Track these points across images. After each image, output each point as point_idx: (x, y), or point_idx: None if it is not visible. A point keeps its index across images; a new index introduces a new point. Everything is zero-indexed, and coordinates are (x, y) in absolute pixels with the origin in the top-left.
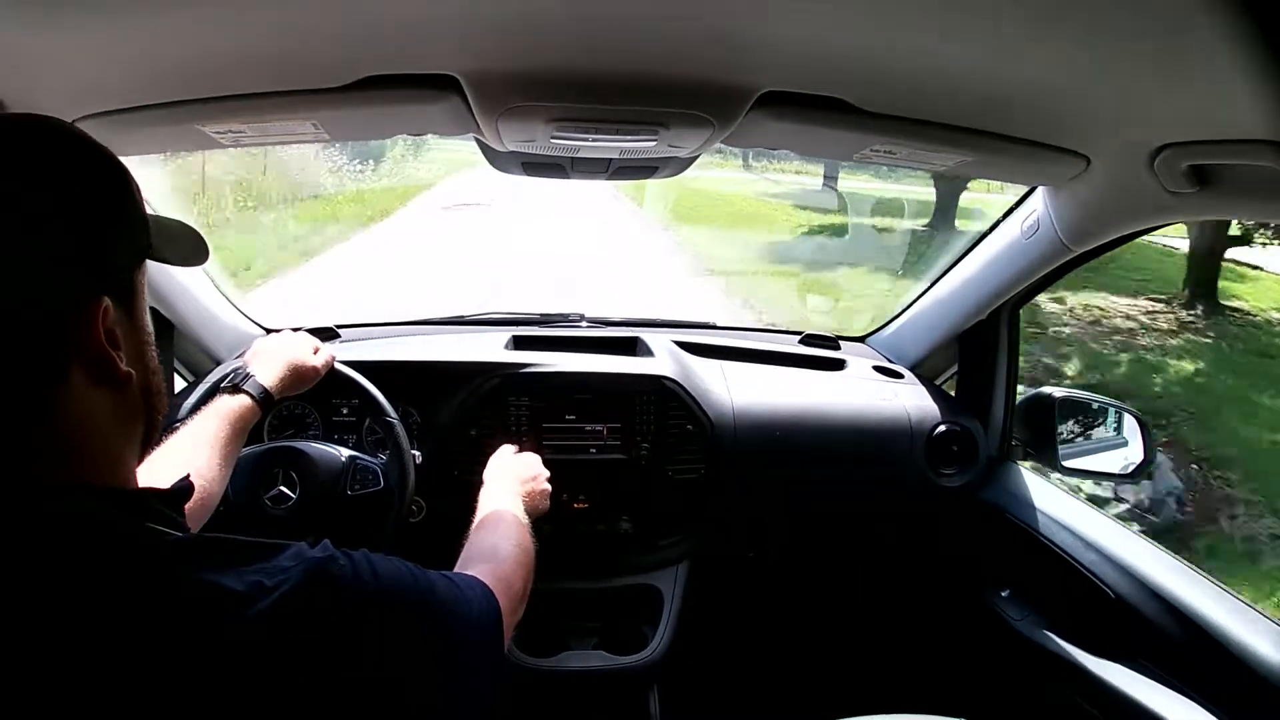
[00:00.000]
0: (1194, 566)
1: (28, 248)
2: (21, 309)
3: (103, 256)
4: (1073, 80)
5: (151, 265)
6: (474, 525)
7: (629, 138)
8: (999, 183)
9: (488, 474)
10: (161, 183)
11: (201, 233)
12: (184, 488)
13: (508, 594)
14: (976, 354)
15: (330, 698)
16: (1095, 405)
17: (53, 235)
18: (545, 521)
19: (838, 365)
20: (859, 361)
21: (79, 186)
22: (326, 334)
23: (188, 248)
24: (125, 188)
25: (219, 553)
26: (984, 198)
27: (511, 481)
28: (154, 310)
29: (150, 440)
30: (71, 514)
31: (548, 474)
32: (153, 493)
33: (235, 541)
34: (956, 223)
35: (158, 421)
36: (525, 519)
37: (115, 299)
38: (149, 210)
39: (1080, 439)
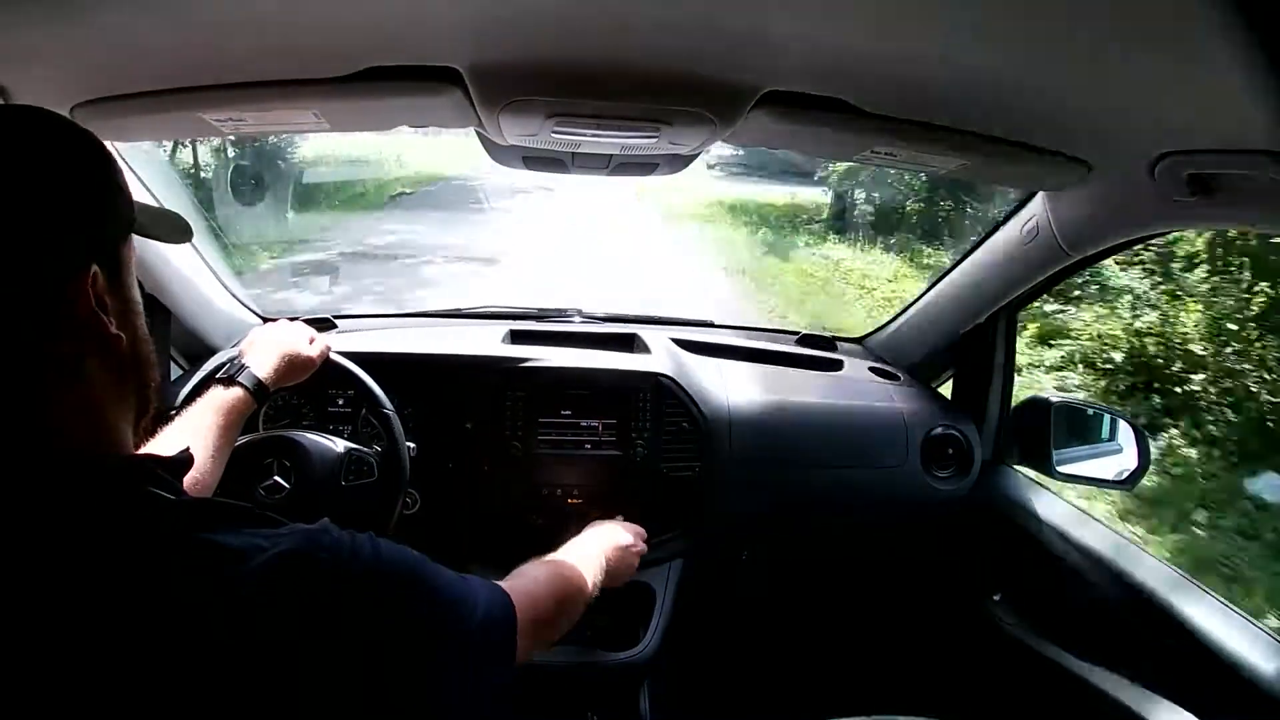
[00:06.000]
0: (1187, 575)
1: (18, 222)
2: (15, 277)
3: (89, 227)
4: (1075, 87)
5: (151, 254)
6: None
7: (630, 134)
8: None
9: (585, 530)
10: None
11: (186, 219)
12: (185, 458)
13: (531, 612)
14: (973, 357)
15: (317, 658)
16: (1091, 411)
17: (41, 210)
18: (538, 515)
19: (834, 366)
20: (855, 362)
21: (64, 166)
22: (323, 324)
23: (172, 227)
24: (107, 166)
25: (218, 515)
26: None
27: (604, 539)
28: (151, 297)
29: (144, 411)
30: (74, 475)
31: (643, 547)
32: (153, 459)
33: (235, 506)
34: None
35: (150, 393)
36: (596, 568)
37: (103, 268)
38: (137, 198)
39: (1075, 444)
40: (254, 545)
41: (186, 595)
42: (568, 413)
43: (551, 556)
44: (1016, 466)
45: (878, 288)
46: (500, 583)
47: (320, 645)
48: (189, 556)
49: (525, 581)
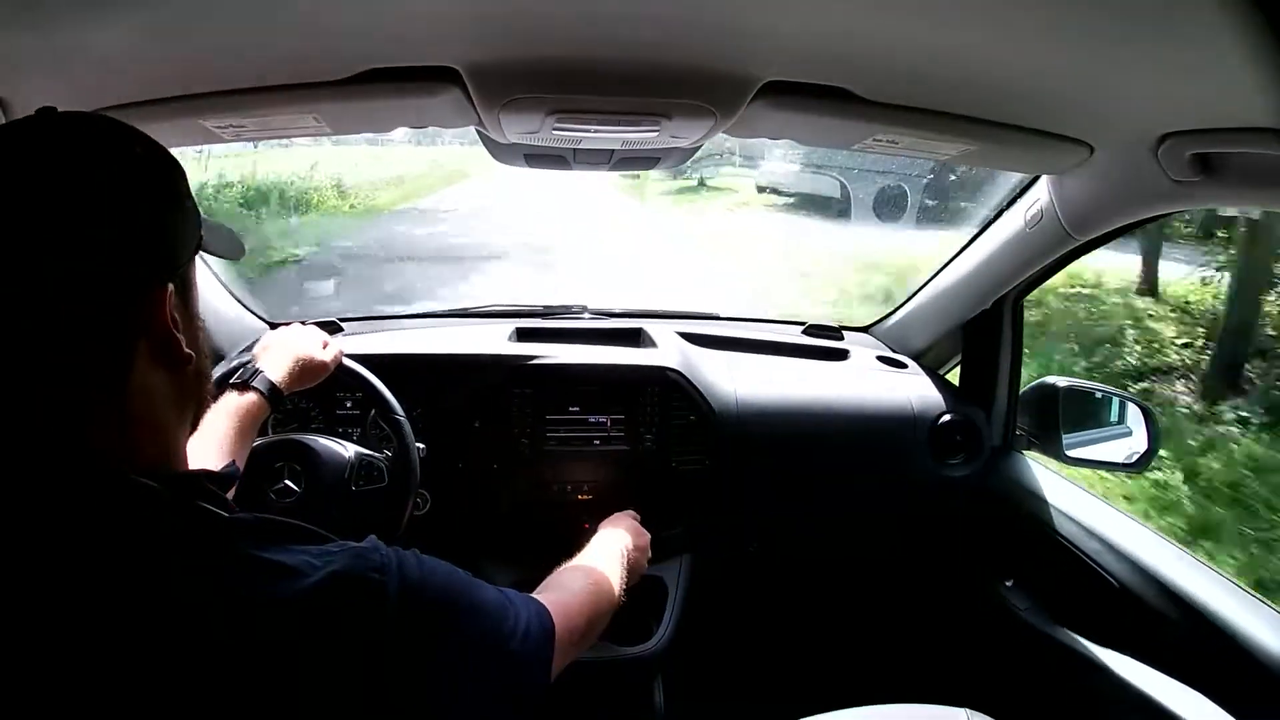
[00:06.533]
0: (1198, 556)
1: (101, 237)
2: (96, 294)
3: (166, 246)
4: (1076, 68)
5: None
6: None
7: (631, 129)
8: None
9: (601, 528)
10: None
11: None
12: (232, 473)
13: (568, 625)
14: (980, 344)
15: (364, 674)
16: (1099, 394)
17: (123, 225)
18: (548, 512)
19: (841, 355)
20: (862, 351)
21: (143, 181)
22: (329, 327)
23: (229, 242)
24: (181, 182)
25: (271, 531)
26: None
27: (622, 537)
28: None
29: (195, 426)
30: (132, 491)
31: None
32: (205, 474)
33: (286, 523)
34: None
35: (206, 404)
36: (620, 569)
37: (175, 286)
38: None
39: (1084, 428)
40: (305, 563)
41: (240, 612)
42: (575, 409)
43: (580, 563)
44: (1026, 452)
45: None
46: (537, 595)
47: (367, 662)
48: (242, 573)
49: (562, 594)
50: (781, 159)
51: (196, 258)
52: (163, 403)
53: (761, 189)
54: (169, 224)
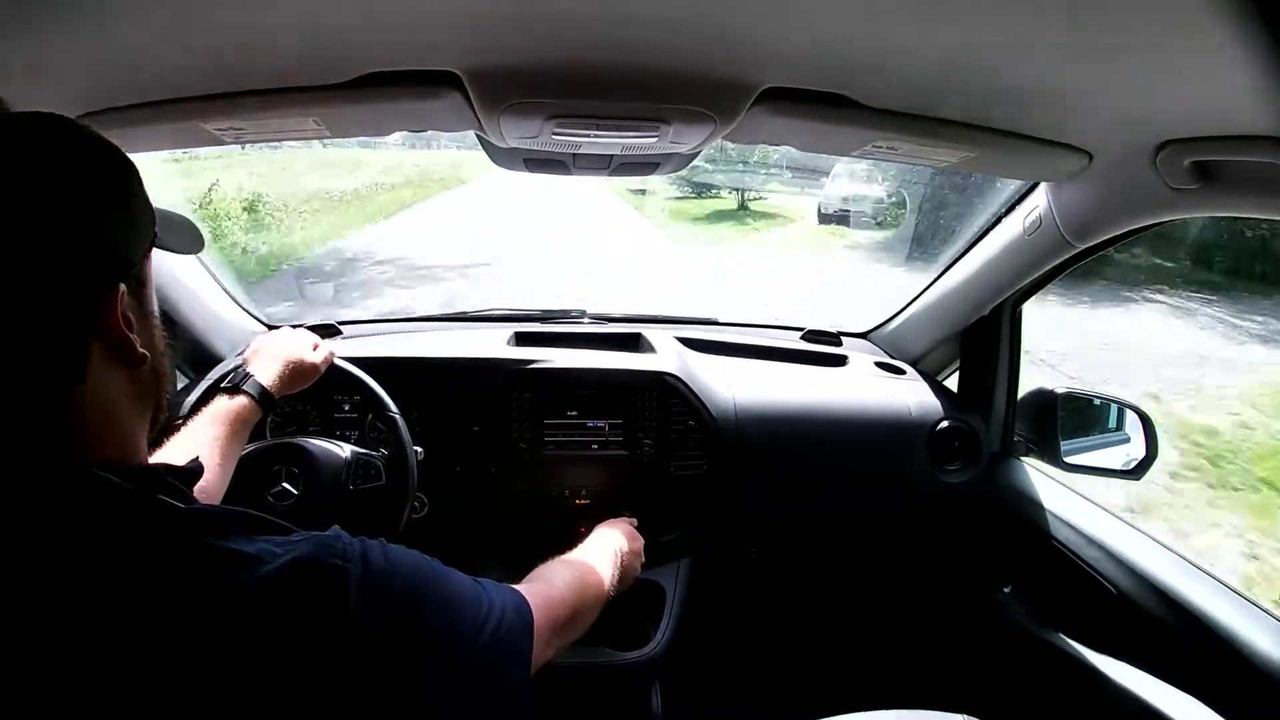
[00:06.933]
0: (1195, 563)
1: (49, 240)
2: (46, 298)
3: (116, 246)
4: (1075, 76)
5: (154, 262)
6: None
7: (631, 134)
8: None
9: (597, 530)
10: None
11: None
12: (195, 468)
13: (549, 615)
14: (978, 350)
15: (325, 663)
16: (1098, 401)
17: (71, 228)
18: (546, 516)
19: (840, 361)
20: (861, 357)
21: (91, 181)
22: (329, 331)
23: (188, 237)
24: (133, 180)
25: (231, 521)
26: None
27: (615, 538)
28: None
29: (158, 418)
30: (90, 484)
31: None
32: (165, 468)
33: (246, 514)
34: None
35: (164, 401)
36: (610, 566)
37: (128, 286)
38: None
39: (1082, 435)
40: (266, 551)
41: (195, 600)
42: (574, 414)
43: (569, 557)
44: (1024, 458)
45: None
46: (518, 586)
47: (329, 650)
48: (199, 562)
49: (543, 585)
50: (859, 177)
51: (184, 259)
52: (120, 403)
53: (825, 218)
54: (119, 224)
